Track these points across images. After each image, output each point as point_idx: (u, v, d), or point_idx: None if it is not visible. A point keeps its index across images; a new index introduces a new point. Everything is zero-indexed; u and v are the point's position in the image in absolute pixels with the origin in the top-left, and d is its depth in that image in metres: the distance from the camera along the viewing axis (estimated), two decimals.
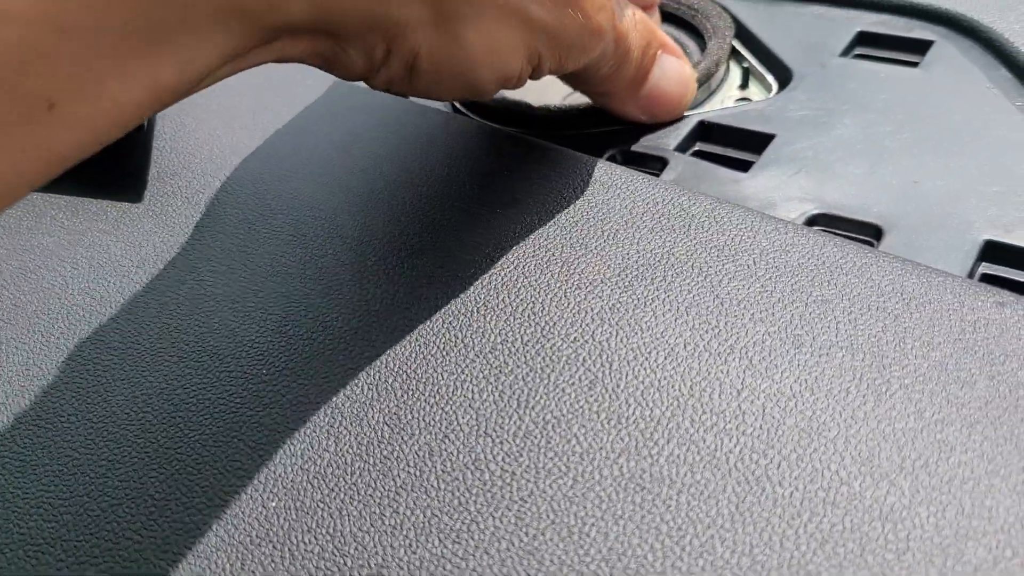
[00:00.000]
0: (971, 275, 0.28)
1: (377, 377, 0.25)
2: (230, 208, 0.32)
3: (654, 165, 0.34)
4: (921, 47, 0.37)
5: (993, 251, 0.28)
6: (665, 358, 0.24)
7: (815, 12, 0.40)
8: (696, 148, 0.35)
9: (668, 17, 0.40)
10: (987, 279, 0.28)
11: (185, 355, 0.27)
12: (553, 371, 0.24)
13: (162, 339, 0.28)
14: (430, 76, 0.25)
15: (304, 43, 0.23)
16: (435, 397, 0.24)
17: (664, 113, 0.34)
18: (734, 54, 0.39)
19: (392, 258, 0.29)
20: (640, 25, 0.32)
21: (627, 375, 0.23)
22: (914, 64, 0.36)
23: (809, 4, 0.41)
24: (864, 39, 0.38)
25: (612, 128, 0.35)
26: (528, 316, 0.26)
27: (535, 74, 0.28)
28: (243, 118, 0.37)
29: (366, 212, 0.31)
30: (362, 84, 0.26)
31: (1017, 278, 0.28)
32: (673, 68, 0.34)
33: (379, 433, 0.24)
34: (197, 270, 0.30)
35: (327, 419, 0.24)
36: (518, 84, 0.28)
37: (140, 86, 0.18)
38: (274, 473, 0.23)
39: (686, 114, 0.35)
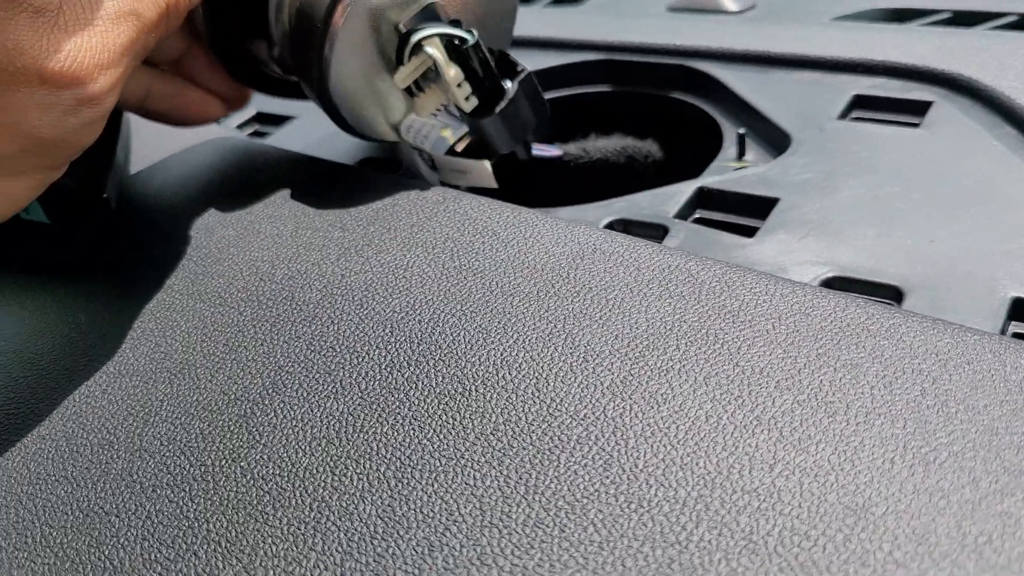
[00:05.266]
0: (1003, 334, 0.26)
1: (367, 466, 0.23)
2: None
3: (654, 234, 0.32)
4: (920, 108, 0.36)
5: (1023, 308, 0.26)
6: (686, 433, 0.21)
7: (808, 78, 0.39)
8: (696, 216, 0.34)
9: None
10: (1020, 338, 0.26)
11: None
12: (563, 452, 0.22)
13: None
14: None
15: None
16: (432, 486, 0.22)
17: None
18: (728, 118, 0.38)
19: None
20: None
21: (646, 453, 0.21)
22: (914, 125, 0.35)
23: (800, 71, 0.40)
24: (861, 102, 0.37)
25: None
26: (532, 393, 0.23)
27: None
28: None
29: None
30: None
31: None
32: None
33: (371, 528, 0.21)
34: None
35: (314, 514, 0.22)
36: None
37: None
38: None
39: (684, 183, 0.34)
